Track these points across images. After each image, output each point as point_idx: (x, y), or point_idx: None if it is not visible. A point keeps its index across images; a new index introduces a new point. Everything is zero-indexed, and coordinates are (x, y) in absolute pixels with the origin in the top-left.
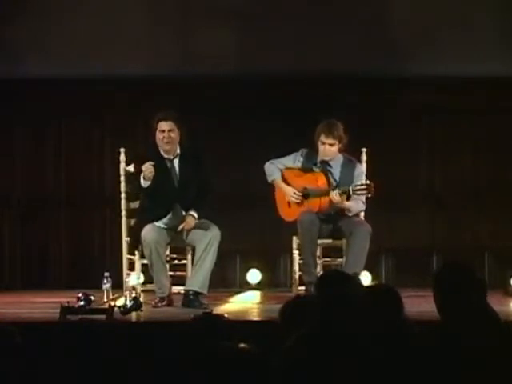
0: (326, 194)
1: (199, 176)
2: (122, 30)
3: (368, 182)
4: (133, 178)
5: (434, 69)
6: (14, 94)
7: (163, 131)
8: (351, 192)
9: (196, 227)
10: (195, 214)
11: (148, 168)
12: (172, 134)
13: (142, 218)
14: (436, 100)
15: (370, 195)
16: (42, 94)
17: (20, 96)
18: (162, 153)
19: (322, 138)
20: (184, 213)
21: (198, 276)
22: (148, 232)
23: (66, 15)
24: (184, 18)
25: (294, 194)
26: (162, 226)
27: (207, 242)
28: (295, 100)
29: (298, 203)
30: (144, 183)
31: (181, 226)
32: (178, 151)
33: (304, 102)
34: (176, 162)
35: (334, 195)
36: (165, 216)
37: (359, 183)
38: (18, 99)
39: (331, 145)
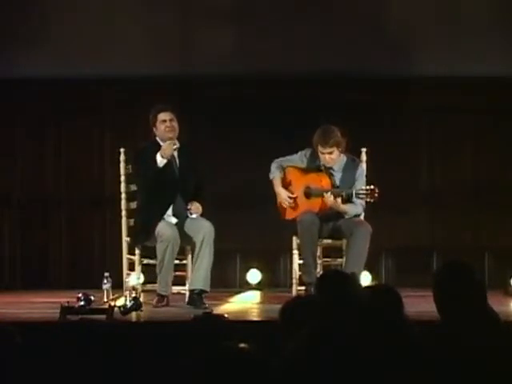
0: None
1: (197, 176)
2: (122, 30)
3: (372, 186)
4: (144, 163)
5: (434, 69)
6: (14, 94)
7: (165, 121)
8: (354, 196)
9: (191, 222)
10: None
11: (170, 144)
12: (174, 123)
13: (147, 215)
14: (436, 100)
15: (372, 200)
16: (42, 93)
17: (20, 96)
18: (165, 142)
19: (320, 148)
20: (185, 202)
21: (198, 275)
22: (164, 228)
23: (66, 15)
24: (184, 18)
25: (289, 197)
26: (171, 219)
27: (201, 239)
28: (295, 100)
29: (294, 205)
30: (160, 162)
31: (190, 206)
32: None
33: (304, 101)
34: (175, 153)
35: (328, 197)
36: (168, 206)
37: (363, 187)
38: (18, 99)
39: (330, 153)
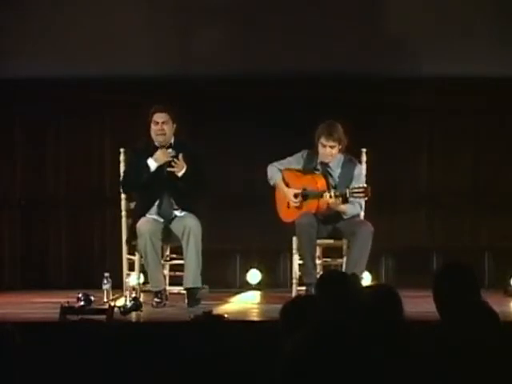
0: (322, 196)
1: (193, 174)
2: (121, 30)
3: (365, 185)
4: (135, 162)
5: (434, 69)
6: (14, 94)
7: (157, 123)
8: (348, 194)
9: (177, 220)
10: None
11: (165, 153)
12: (165, 127)
13: (136, 213)
14: (436, 100)
15: (366, 198)
16: (42, 93)
17: (20, 96)
18: (156, 143)
19: (323, 140)
20: (173, 201)
21: (188, 274)
22: (143, 223)
23: (66, 15)
24: (184, 18)
25: (295, 197)
26: (156, 217)
27: (186, 237)
28: (295, 100)
29: (296, 206)
30: (153, 166)
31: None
32: (172, 141)
33: (304, 101)
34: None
35: (328, 197)
36: (153, 204)
37: (356, 186)
38: (18, 99)
39: (332, 147)
